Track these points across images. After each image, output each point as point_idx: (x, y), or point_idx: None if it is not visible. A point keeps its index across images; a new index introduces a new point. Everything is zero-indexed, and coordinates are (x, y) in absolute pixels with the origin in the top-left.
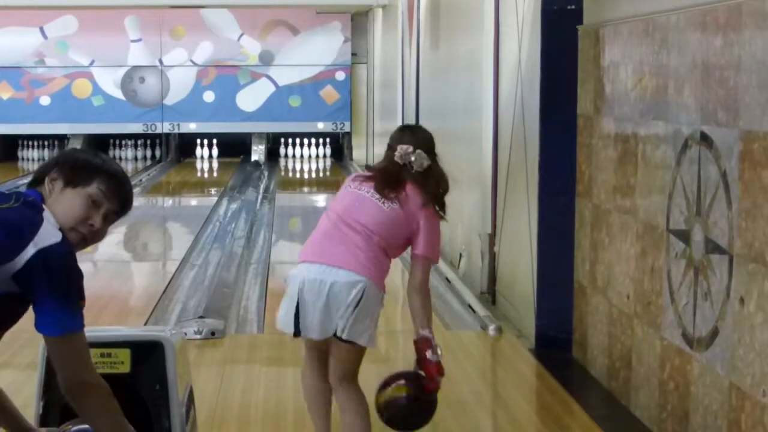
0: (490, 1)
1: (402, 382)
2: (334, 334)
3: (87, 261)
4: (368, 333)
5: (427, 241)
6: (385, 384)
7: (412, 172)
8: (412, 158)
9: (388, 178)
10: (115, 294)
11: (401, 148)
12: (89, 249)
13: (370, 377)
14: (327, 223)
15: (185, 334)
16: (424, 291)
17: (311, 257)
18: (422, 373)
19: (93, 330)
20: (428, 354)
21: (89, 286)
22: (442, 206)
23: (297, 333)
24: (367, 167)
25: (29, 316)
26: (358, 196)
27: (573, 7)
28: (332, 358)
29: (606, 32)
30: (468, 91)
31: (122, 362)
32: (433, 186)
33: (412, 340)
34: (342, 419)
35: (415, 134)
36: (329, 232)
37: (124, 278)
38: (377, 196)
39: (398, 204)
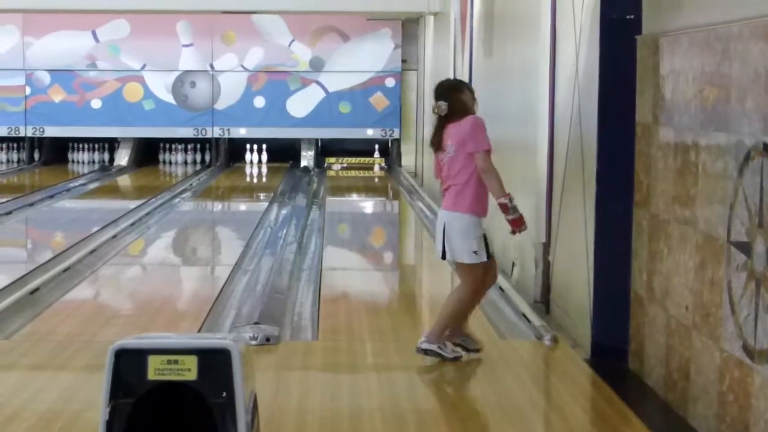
0: (546, 9)
1: None
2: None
3: (137, 265)
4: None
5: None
6: None
7: (442, 116)
8: (435, 109)
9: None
10: (166, 299)
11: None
12: (138, 253)
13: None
14: None
15: (249, 340)
16: (489, 173)
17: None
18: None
19: (160, 336)
20: (506, 215)
21: (140, 290)
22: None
23: None
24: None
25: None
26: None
27: (632, 16)
28: None
29: (665, 42)
30: (522, 99)
31: (189, 369)
32: (457, 113)
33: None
34: None
35: (435, 91)
36: None
37: (175, 283)
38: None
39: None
